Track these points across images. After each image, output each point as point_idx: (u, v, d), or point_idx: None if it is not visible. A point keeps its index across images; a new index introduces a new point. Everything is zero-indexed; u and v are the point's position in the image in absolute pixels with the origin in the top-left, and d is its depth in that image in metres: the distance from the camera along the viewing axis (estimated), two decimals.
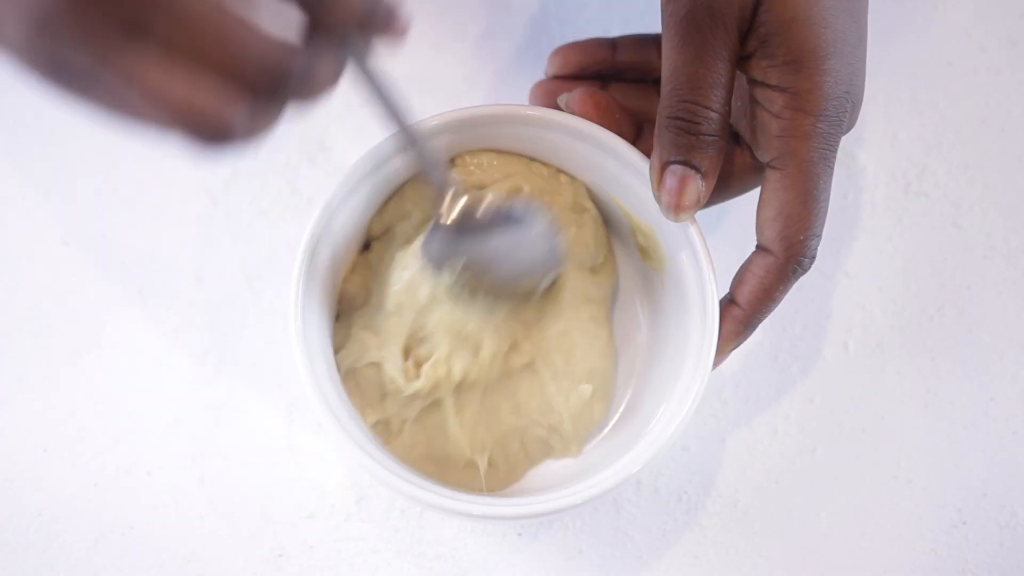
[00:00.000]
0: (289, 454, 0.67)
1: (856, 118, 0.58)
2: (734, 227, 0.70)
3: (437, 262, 0.59)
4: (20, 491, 0.66)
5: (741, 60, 0.56)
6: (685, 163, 0.56)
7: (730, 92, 0.56)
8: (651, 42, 0.65)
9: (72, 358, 0.68)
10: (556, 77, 0.66)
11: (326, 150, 0.69)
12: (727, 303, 0.58)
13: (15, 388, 0.68)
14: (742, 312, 0.58)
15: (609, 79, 0.66)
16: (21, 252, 0.70)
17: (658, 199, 0.58)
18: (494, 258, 0.59)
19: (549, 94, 0.65)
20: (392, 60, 0.73)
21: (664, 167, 0.57)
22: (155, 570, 0.65)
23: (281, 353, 0.68)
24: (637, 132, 0.64)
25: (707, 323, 0.58)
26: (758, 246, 0.58)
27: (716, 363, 0.59)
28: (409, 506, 0.66)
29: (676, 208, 0.57)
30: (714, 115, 0.56)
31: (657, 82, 0.65)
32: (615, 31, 0.71)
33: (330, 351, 0.61)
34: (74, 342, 0.68)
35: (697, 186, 0.57)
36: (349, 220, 0.61)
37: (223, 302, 0.69)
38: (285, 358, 0.67)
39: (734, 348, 0.59)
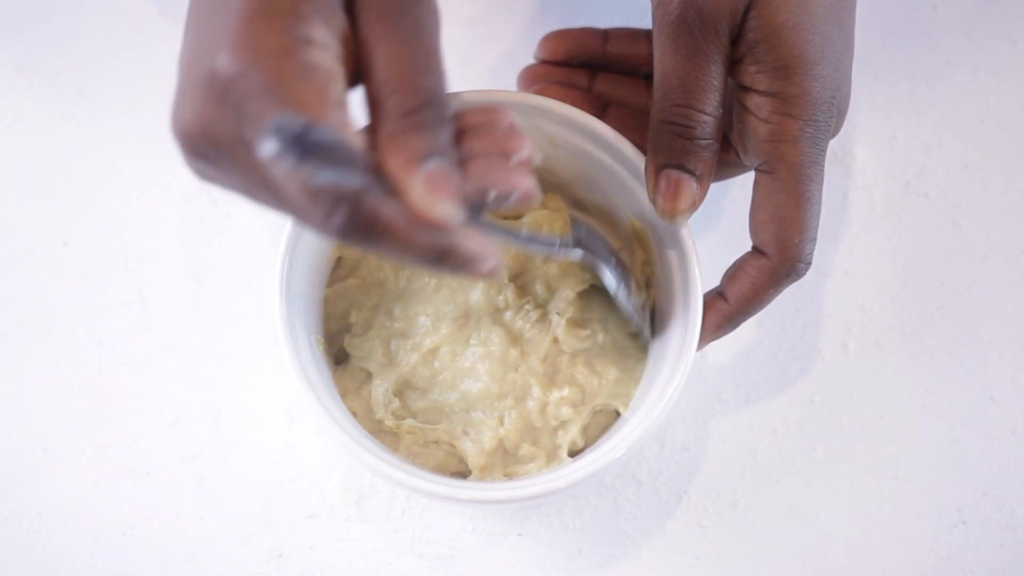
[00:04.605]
0: (289, 454, 0.67)
1: (841, 124, 0.58)
2: (732, 227, 0.70)
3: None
4: (20, 491, 0.66)
5: (730, 64, 0.57)
6: (679, 167, 0.56)
7: (723, 95, 0.56)
8: (643, 36, 0.66)
9: (72, 358, 0.68)
10: (545, 62, 0.66)
11: None
12: (715, 296, 0.59)
13: (15, 388, 0.68)
14: (728, 308, 0.58)
15: (598, 69, 0.66)
16: (21, 252, 0.70)
17: (653, 202, 0.58)
18: None
19: (537, 79, 0.66)
20: None
21: (659, 171, 0.57)
22: (155, 570, 0.65)
23: (281, 353, 0.68)
24: (601, 109, 0.65)
25: (690, 316, 0.58)
26: (754, 247, 0.58)
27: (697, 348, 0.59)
28: (409, 506, 0.66)
29: (672, 212, 0.57)
30: (708, 118, 0.56)
31: (647, 77, 0.65)
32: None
33: (313, 334, 0.61)
34: (74, 342, 0.68)
35: (692, 190, 0.57)
36: None
37: (223, 302, 0.69)
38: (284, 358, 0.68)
39: (713, 340, 0.59)
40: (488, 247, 0.46)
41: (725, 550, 0.66)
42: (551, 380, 0.62)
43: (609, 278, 0.60)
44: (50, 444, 0.67)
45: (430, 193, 0.44)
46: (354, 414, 0.62)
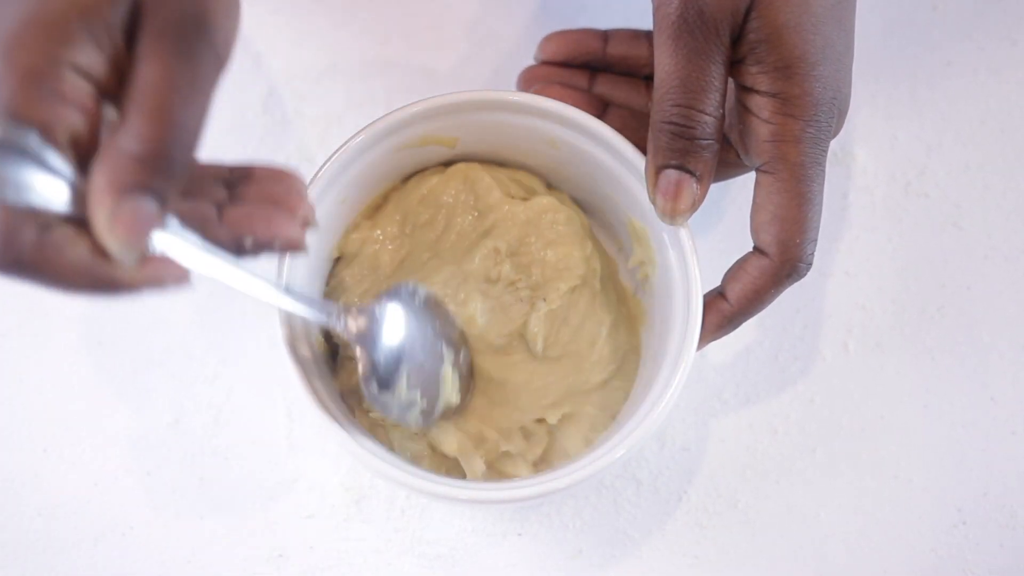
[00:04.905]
0: (289, 454, 0.67)
1: (842, 125, 0.58)
2: (732, 227, 0.70)
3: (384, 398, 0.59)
4: (20, 491, 0.66)
5: (731, 65, 0.57)
6: (680, 167, 0.56)
7: (723, 95, 0.56)
8: (643, 37, 0.66)
9: (72, 358, 0.68)
10: (545, 63, 0.66)
11: (326, 150, 0.69)
12: (716, 296, 0.59)
13: (15, 388, 0.68)
14: (729, 308, 0.58)
15: (598, 70, 0.66)
16: None
17: (653, 202, 0.58)
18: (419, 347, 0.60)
19: (537, 80, 0.66)
20: (388, 46, 0.74)
21: (659, 171, 0.57)
22: (155, 570, 0.65)
23: (281, 353, 0.68)
24: (602, 109, 0.65)
25: (690, 316, 0.58)
26: (755, 247, 0.58)
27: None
28: (409, 506, 0.66)
29: (672, 212, 0.57)
30: (708, 119, 0.56)
31: (647, 78, 0.65)
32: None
33: (313, 333, 0.61)
34: (74, 342, 0.68)
35: (692, 190, 0.57)
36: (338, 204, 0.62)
37: (223, 302, 0.69)
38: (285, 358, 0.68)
39: (713, 340, 0.59)
40: (171, 270, 0.44)
41: (725, 550, 0.66)
42: None
43: (364, 356, 0.58)
44: (50, 444, 0.67)
45: (116, 226, 0.42)
46: (352, 411, 0.62)
